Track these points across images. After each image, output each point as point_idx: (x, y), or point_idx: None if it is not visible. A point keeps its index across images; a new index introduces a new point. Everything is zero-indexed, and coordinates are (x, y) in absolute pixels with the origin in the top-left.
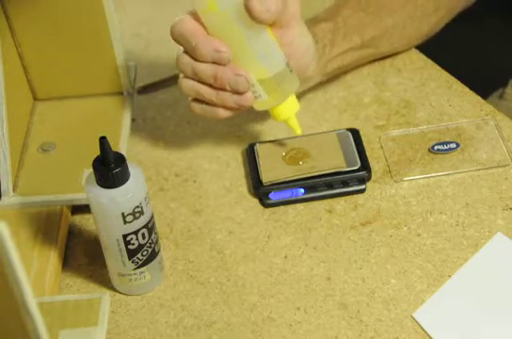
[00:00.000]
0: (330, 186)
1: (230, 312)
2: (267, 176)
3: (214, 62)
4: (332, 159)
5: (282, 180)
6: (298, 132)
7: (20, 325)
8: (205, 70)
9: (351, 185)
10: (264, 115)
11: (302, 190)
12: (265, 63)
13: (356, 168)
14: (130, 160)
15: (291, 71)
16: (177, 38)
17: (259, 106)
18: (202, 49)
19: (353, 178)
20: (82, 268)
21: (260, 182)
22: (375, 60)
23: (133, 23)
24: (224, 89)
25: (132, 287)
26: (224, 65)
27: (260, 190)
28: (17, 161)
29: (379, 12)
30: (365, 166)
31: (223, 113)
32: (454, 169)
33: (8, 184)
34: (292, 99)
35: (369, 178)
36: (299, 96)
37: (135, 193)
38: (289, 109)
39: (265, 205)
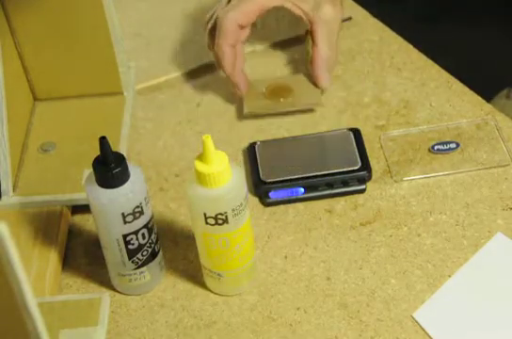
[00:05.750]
0: (330, 186)
1: (230, 312)
2: (268, 175)
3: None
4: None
5: (283, 178)
6: None
7: (20, 325)
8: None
9: (351, 185)
10: (264, 115)
11: (302, 190)
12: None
13: (356, 168)
14: (130, 160)
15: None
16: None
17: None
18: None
19: (353, 178)
20: (82, 268)
21: (260, 180)
22: (374, 60)
23: (133, 23)
24: None
25: (132, 287)
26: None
27: (260, 189)
28: (17, 161)
29: None
30: (365, 166)
31: None
32: (454, 169)
33: (8, 184)
34: None
35: (369, 178)
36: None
37: (135, 193)
38: None
39: (265, 204)
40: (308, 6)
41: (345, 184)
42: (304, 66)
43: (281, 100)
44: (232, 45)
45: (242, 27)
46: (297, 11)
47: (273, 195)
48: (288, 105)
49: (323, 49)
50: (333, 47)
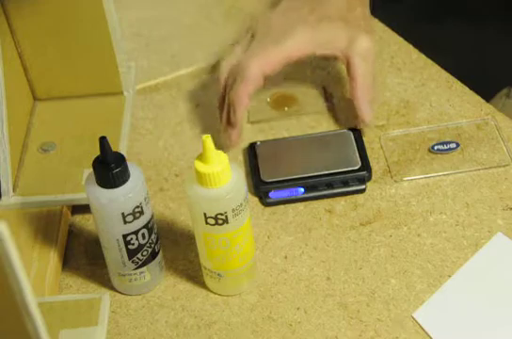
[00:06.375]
0: (330, 186)
1: (230, 312)
2: (268, 175)
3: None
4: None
5: (283, 178)
6: None
7: (20, 325)
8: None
9: (351, 185)
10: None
11: (302, 190)
12: None
13: (356, 168)
14: (130, 160)
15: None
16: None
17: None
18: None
19: (353, 178)
20: (82, 268)
21: (260, 180)
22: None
23: (133, 23)
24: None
25: (132, 287)
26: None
27: (260, 189)
28: (17, 161)
29: None
30: (365, 166)
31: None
32: (454, 169)
33: (8, 184)
34: None
35: (369, 178)
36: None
37: (135, 193)
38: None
39: (265, 204)
40: (340, 44)
41: (345, 184)
42: (304, 66)
43: (286, 109)
44: (251, 94)
45: (265, 77)
46: (331, 54)
47: (273, 195)
48: (292, 114)
49: (362, 83)
50: (371, 79)
